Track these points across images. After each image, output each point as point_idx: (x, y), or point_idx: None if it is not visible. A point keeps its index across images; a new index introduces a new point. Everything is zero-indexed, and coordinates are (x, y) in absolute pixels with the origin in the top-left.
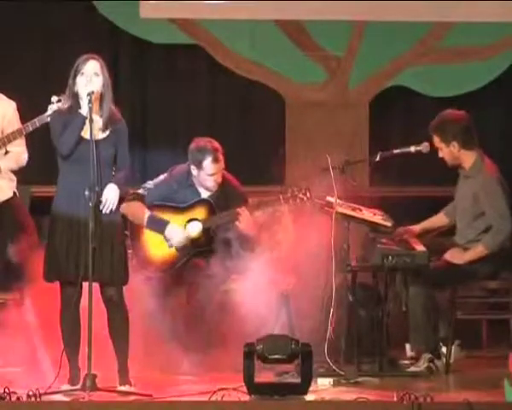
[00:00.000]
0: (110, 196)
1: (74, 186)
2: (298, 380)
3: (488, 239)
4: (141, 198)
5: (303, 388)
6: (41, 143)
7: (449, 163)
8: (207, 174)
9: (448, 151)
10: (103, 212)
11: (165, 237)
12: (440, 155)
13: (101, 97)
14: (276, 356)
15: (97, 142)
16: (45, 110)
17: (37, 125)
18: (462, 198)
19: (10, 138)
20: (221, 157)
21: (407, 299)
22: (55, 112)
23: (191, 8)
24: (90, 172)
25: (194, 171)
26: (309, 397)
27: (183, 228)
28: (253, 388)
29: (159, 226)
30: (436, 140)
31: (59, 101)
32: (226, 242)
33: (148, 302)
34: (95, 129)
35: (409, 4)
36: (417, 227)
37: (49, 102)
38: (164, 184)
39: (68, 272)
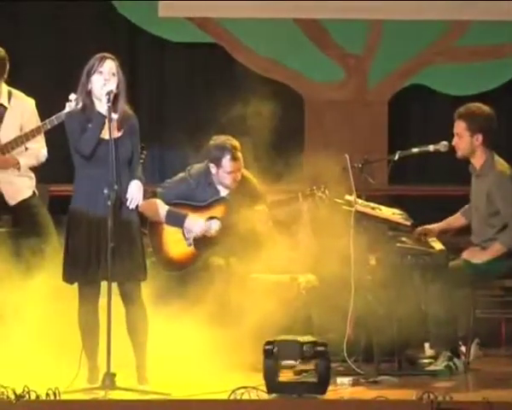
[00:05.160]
0: (135, 192)
1: (92, 185)
2: (316, 379)
3: (505, 237)
4: (159, 196)
5: (321, 388)
6: (59, 141)
7: (461, 153)
8: (226, 172)
9: (469, 141)
10: (130, 208)
11: (184, 229)
12: (455, 142)
13: (117, 97)
14: (289, 361)
15: (115, 141)
16: (63, 108)
17: (56, 122)
18: (475, 197)
19: (29, 136)
20: (240, 155)
21: (426, 298)
22: (69, 113)
23: (210, 6)
24: (109, 170)
25: (212, 169)
26: (328, 396)
27: (202, 220)
28: (273, 387)
29: (178, 220)
30: (461, 126)
31: (77, 98)
32: (245, 240)
33: (166, 301)
34: (112, 129)
35: (427, 3)
36: (435, 227)
37: (67, 100)
38: (182, 183)
39: (88, 271)
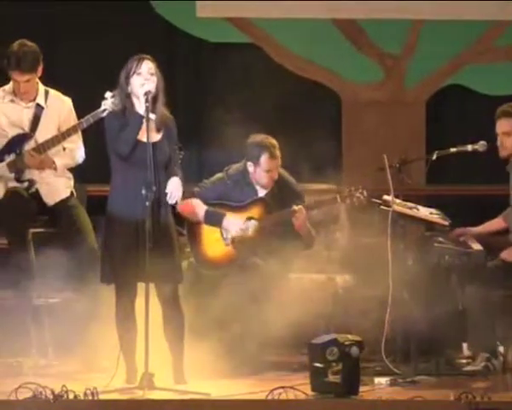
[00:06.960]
0: (175, 188)
1: (129, 187)
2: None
3: None
4: (196, 195)
5: (350, 389)
6: (97, 141)
7: (508, 152)
8: (264, 170)
9: None
10: (169, 203)
11: (222, 228)
12: (501, 141)
13: (155, 98)
14: (316, 365)
15: (153, 144)
16: (99, 107)
17: (91, 121)
18: None
19: (65, 136)
20: (278, 154)
21: (464, 298)
22: (109, 113)
23: (248, 7)
24: (146, 172)
25: (250, 167)
26: (366, 396)
27: (240, 220)
28: (316, 386)
29: (216, 219)
30: (510, 124)
31: (113, 96)
32: (283, 240)
33: (204, 301)
34: (150, 130)
35: (465, 3)
36: (474, 230)
37: (103, 99)
38: (220, 183)
39: (125, 272)
